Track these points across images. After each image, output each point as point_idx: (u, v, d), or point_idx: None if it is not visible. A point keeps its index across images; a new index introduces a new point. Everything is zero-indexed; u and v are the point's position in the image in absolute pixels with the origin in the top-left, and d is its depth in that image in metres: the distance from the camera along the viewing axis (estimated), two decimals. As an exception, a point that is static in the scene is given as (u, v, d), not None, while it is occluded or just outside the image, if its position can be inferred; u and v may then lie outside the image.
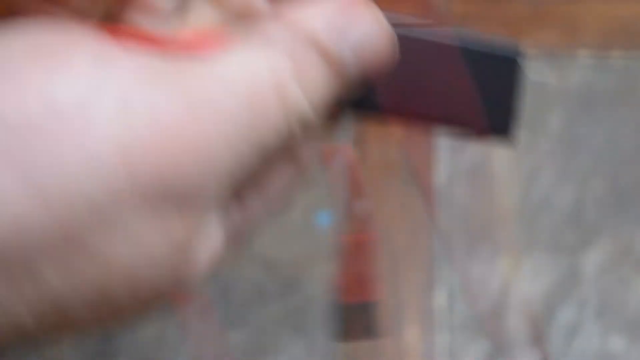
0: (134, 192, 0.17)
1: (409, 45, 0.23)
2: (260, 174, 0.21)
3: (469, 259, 0.54)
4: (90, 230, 0.17)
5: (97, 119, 0.17)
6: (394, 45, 0.22)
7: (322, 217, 0.55)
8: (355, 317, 0.48)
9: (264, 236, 0.50)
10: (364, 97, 0.23)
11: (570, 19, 0.60)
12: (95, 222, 0.17)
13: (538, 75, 0.59)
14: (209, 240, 0.20)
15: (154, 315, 0.20)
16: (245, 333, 0.54)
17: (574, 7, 0.61)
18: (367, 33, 0.21)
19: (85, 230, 0.17)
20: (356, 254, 0.49)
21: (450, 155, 0.56)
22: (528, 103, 0.63)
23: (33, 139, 0.17)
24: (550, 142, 0.57)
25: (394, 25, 0.22)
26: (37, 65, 0.17)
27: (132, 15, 0.21)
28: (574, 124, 0.57)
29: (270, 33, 0.20)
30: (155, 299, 0.19)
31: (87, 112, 0.17)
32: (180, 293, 0.20)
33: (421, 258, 0.54)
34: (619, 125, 0.57)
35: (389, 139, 0.57)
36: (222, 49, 0.20)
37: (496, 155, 0.57)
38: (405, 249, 0.55)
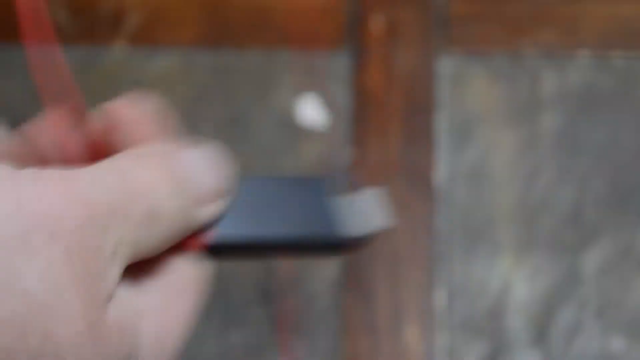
0: None
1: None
2: None
3: (469, 259, 0.54)
4: None
5: None
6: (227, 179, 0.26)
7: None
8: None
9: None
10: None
11: (570, 19, 0.60)
12: None
13: (538, 75, 0.59)
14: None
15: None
16: (245, 333, 0.54)
17: (574, 7, 0.60)
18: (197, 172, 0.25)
19: None
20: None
21: (450, 155, 0.56)
22: (528, 103, 0.63)
23: None
24: (550, 142, 0.57)
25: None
26: None
27: None
28: (574, 124, 0.57)
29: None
30: None
31: None
32: None
33: (421, 258, 0.54)
34: (619, 125, 0.57)
35: (389, 139, 0.57)
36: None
37: (496, 155, 0.57)
38: (405, 249, 0.55)
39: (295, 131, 0.57)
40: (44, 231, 0.20)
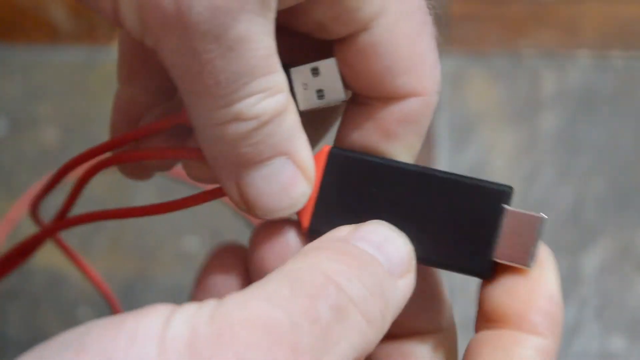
0: None
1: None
2: None
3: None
4: None
5: None
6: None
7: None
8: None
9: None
10: None
11: (570, 19, 0.60)
12: None
13: (537, 75, 0.59)
14: None
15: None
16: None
17: (574, 7, 0.60)
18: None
19: None
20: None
21: (450, 155, 0.56)
22: (528, 103, 0.63)
23: None
24: (550, 142, 0.57)
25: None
26: (104, 333, 0.18)
27: None
28: (574, 124, 0.57)
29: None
30: None
31: None
32: None
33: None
34: (619, 125, 0.57)
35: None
36: None
37: (496, 155, 0.57)
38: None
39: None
40: None
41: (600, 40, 0.60)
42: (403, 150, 0.27)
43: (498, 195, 0.26)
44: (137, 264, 0.52)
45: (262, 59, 0.23)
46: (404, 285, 0.23)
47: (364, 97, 0.27)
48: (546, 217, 0.26)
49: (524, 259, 0.26)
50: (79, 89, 0.59)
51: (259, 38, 0.22)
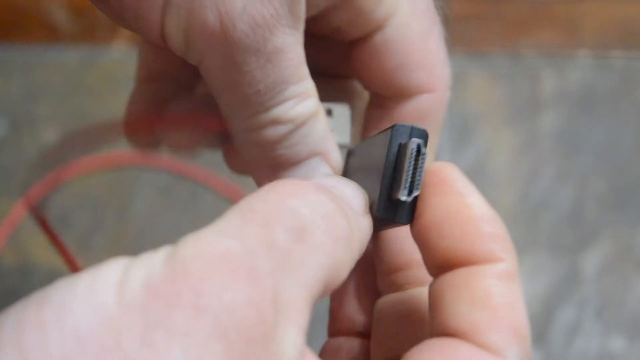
0: None
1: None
2: None
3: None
4: None
5: None
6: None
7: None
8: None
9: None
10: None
11: (570, 19, 0.60)
12: None
13: (537, 75, 0.59)
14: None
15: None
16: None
17: (574, 7, 0.60)
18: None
19: None
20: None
21: (451, 155, 0.56)
22: (528, 103, 0.63)
23: None
24: (550, 142, 0.57)
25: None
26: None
27: None
28: (574, 124, 0.57)
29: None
30: None
31: None
32: None
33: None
34: (619, 125, 0.57)
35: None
36: None
37: (496, 155, 0.57)
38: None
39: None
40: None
41: (600, 40, 0.60)
42: None
43: (390, 135, 0.24)
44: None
45: (295, 68, 0.24)
46: (365, 221, 0.23)
47: (380, 99, 0.28)
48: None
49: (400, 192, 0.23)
50: (78, 89, 0.59)
51: (292, 48, 0.24)
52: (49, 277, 0.52)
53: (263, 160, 0.26)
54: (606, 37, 0.60)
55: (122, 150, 0.56)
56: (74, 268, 0.45)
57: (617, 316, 0.52)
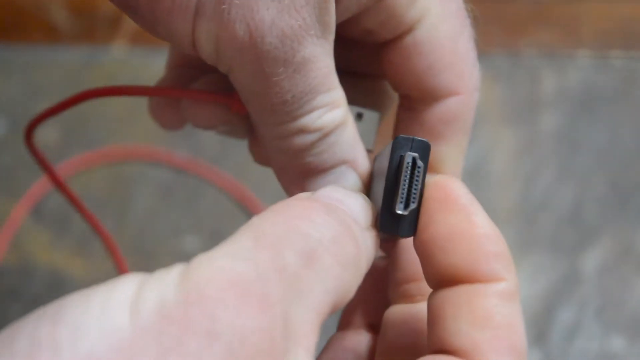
0: None
1: None
2: None
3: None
4: None
5: None
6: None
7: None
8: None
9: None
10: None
11: (570, 19, 0.60)
12: None
13: (537, 75, 0.59)
14: None
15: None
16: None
17: (574, 7, 0.60)
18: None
19: None
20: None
21: (450, 155, 0.56)
22: (528, 103, 0.63)
23: None
24: (550, 142, 0.57)
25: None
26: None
27: None
28: (574, 124, 0.57)
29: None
30: None
31: None
32: None
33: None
34: (619, 125, 0.57)
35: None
36: None
37: (496, 155, 0.57)
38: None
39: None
40: None
41: (600, 40, 0.60)
42: (451, 149, 0.29)
43: (391, 146, 0.24)
44: (137, 264, 0.52)
45: (323, 77, 0.25)
46: (371, 235, 0.24)
47: (409, 101, 0.28)
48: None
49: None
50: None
51: (321, 58, 0.24)
52: (49, 277, 0.52)
53: (291, 167, 0.26)
54: (606, 37, 0.60)
55: (123, 144, 0.56)
56: (111, 248, 0.45)
57: (617, 316, 0.52)
